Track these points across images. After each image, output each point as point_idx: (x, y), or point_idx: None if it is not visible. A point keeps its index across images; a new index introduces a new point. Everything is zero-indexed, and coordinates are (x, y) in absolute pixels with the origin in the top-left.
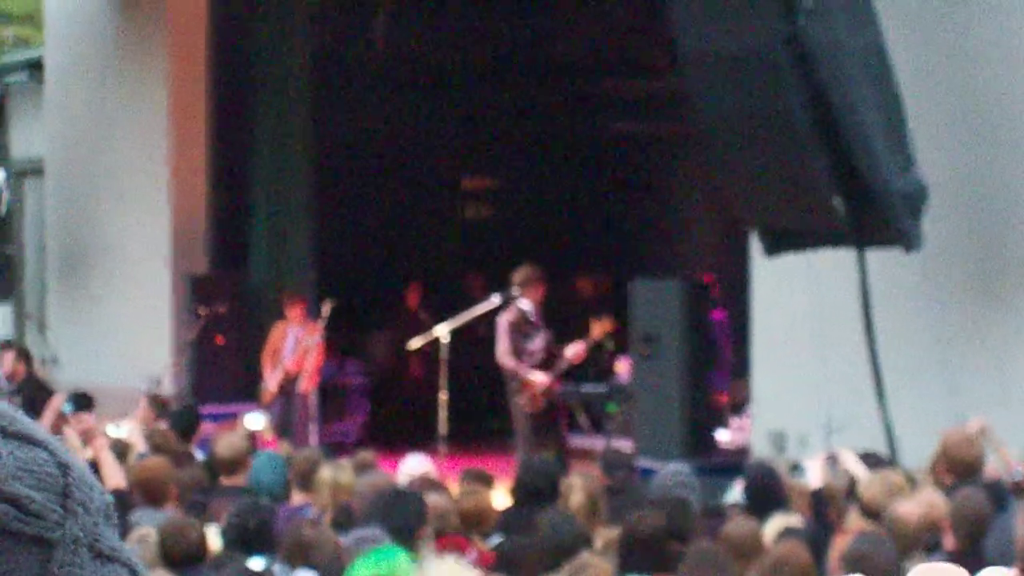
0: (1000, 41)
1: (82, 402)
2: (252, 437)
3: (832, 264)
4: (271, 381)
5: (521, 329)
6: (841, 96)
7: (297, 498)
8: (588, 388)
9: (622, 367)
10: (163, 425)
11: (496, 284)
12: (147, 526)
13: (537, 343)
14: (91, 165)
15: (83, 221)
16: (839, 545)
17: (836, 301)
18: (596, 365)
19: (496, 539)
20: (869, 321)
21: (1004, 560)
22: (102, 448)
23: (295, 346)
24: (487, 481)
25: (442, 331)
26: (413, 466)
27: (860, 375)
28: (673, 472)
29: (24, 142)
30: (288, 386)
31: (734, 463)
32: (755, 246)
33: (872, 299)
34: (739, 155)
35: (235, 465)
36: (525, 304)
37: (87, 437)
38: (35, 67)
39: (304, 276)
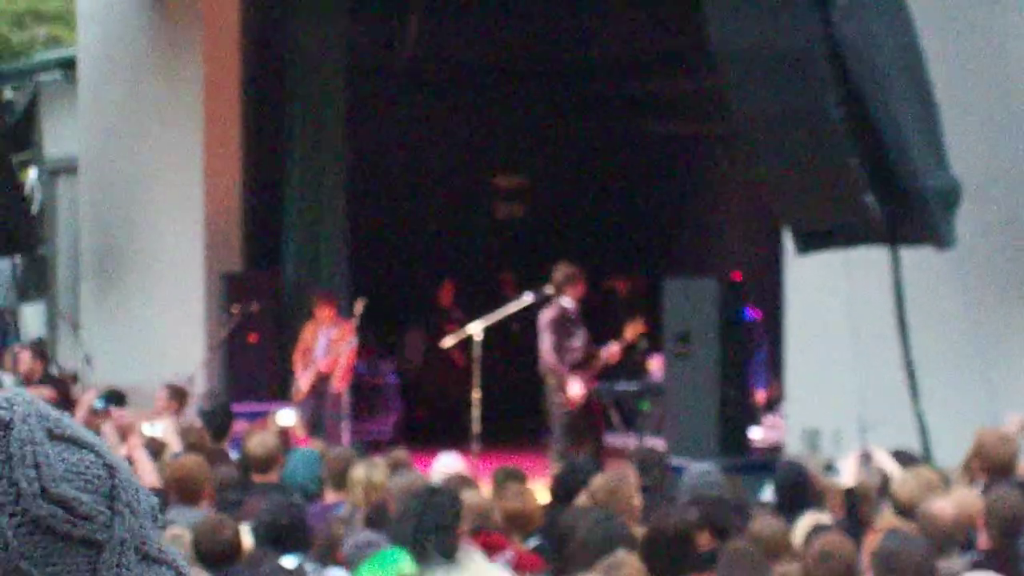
0: None
1: (113, 399)
2: (284, 434)
3: (866, 262)
4: (302, 381)
5: (563, 327)
6: (875, 94)
7: (330, 496)
8: (621, 386)
9: (655, 365)
10: (186, 417)
11: (529, 282)
12: (181, 525)
13: (577, 341)
14: (125, 164)
15: (117, 220)
16: (871, 543)
17: (870, 299)
18: (629, 363)
19: (535, 541)
20: (903, 319)
21: None
22: (137, 446)
23: (327, 346)
24: (520, 479)
25: (475, 329)
26: (446, 465)
27: (894, 373)
28: (701, 472)
29: (57, 141)
30: (320, 386)
31: (767, 461)
32: (789, 244)
33: (905, 297)
34: (773, 153)
35: (268, 463)
36: (567, 302)
37: (124, 432)
38: (68, 66)
39: (337, 274)
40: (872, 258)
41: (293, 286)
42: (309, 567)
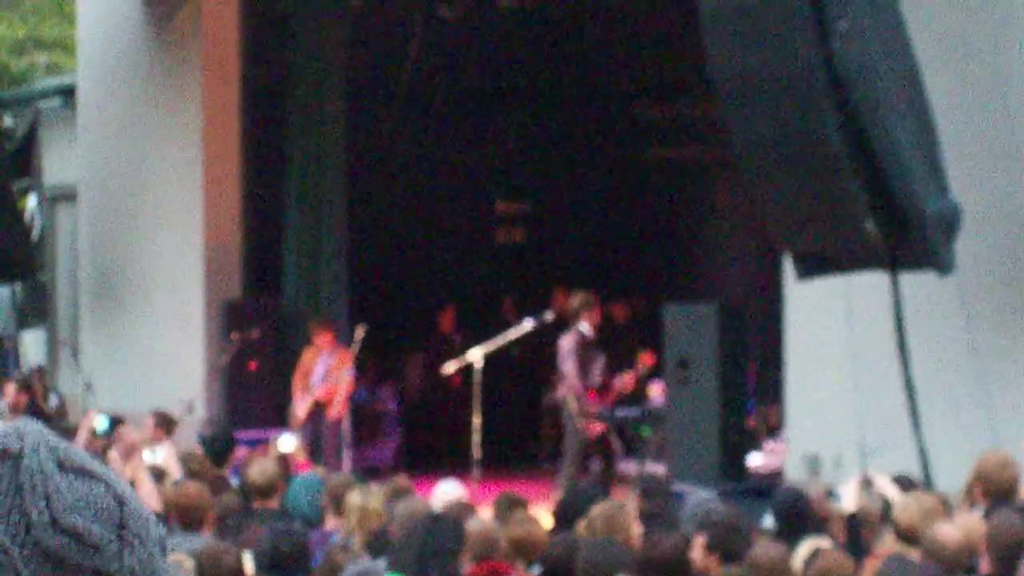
0: None
1: (114, 424)
2: (285, 460)
3: (866, 287)
4: (300, 407)
5: (583, 352)
6: (875, 119)
7: (331, 523)
8: (622, 412)
9: (656, 391)
10: (180, 443)
11: (529, 308)
12: (183, 551)
13: (596, 367)
14: (124, 191)
15: (116, 247)
16: (871, 569)
17: (870, 324)
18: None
19: (537, 569)
20: (903, 343)
21: None
22: (140, 468)
23: (326, 373)
24: (523, 506)
25: (475, 355)
26: (447, 491)
27: (894, 397)
28: (700, 501)
29: (57, 168)
30: (317, 413)
31: (767, 487)
32: (789, 269)
33: (906, 322)
34: (773, 178)
35: (269, 490)
36: (584, 328)
37: (128, 453)
38: (68, 93)
39: (337, 301)
40: (872, 283)
41: (293, 313)
42: None
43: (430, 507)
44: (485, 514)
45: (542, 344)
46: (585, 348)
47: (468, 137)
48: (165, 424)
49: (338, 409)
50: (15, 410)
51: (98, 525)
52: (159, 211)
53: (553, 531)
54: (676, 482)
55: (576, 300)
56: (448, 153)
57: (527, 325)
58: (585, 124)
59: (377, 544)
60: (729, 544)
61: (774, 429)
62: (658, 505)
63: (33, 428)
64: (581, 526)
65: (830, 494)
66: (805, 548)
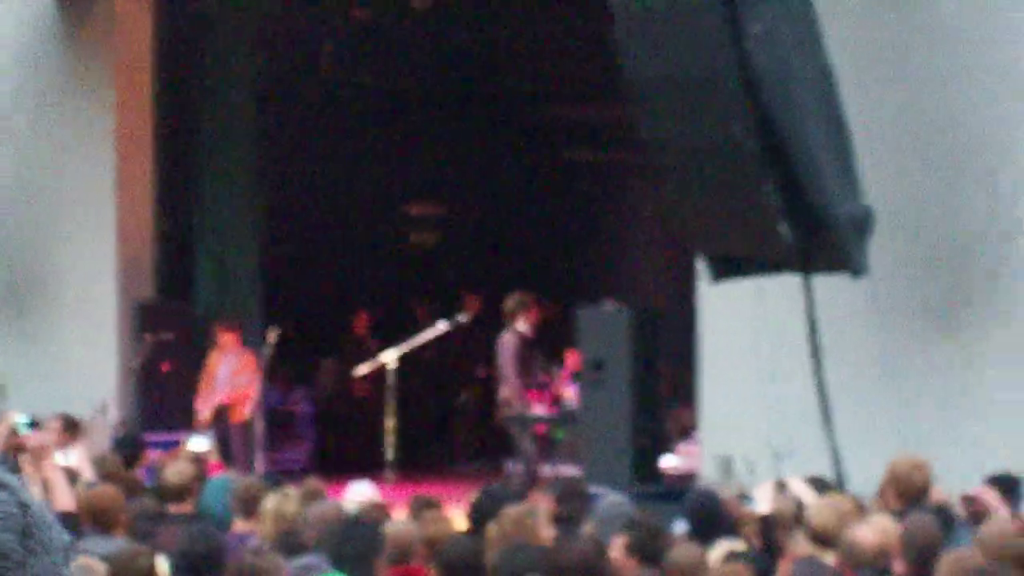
0: (946, 66)
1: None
2: (199, 462)
3: (779, 290)
4: (203, 410)
5: (524, 352)
6: (788, 122)
7: (239, 526)
8: (535, 413)
9: (569, 393)
10: (86, 447)
11: (442, 311)
12: (96, 555)
13: (535, 367)
14: (36, 192)
15: (28, 248)
16: (785, 571)
17: (783, 326)
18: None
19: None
20: (816, 346)
21: None
22: (54, 468)
23: (229, 376)
24: (435, 508)
25: (389, 358)
26: (359, 493)
27: (807, 400)
28: (611, 504)
29: None
30: (222, 416)
31: (681, 489)
32: (703, 272)
33: (819, 324)
34: (686, 181)
35: (183, 492)
36: (522, 327)
37: (40, 455)
38: None
39: (250, 303)
40: (785, 286)
41: (206, 315)
42: None
43: (343, 509)
44: (400, 516)
45: (455, 346)
46: (525, 348)
47: (382, 139)
48: (71, 428)
49: (243, 413)
50: None
51: (2, 532)
52: (71, 213)
53: (467, 533)
54: (589, 484)
55: (511, 301)
56: (361, 155)
57: (440, 327)
58: (500, 126)
59: (289, 546)
60: (649, 546)
61: (687, 431)
62: (574, 508)
63: None
64: (491, 528)
65: (743, 496)
66: (718, 550)
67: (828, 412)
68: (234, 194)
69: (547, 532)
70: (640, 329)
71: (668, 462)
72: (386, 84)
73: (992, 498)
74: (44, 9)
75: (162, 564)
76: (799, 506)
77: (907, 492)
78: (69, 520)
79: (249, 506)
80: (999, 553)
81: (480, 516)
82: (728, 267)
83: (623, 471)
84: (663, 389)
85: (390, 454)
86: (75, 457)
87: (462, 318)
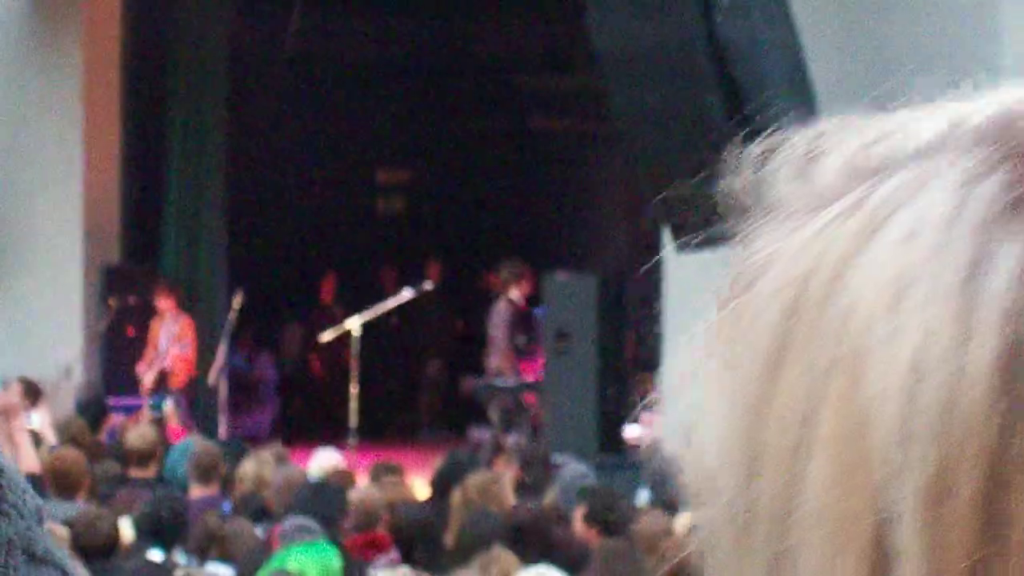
0: (915, 44)
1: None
2: (163, 428)
3: None
4: (146, 376)
5: (516, 321)
6: (756, 94)
7: (196, 491)
8: (499, 382)
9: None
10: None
11: (408, 278)
12: (57, 518)
13: (527, 335)
14: (4, 156)
15: None
16: None
17: None
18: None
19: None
20: None
21: None
22: (20, 429)
23: (170, 341)
24: (398, 474)
25: (354, 324)
26: (323, 460)
27: None
28: (575, 473)
29: None
30: (165, 380)
31: (645, 459)
32: (668, 243)
33: None
34: (652, 151)
35: (147, 456)
36: (515, 297)
37: (8, 414)
38: None
39: (217, 268)
40: None
41: (172, 279)
42: (183, 560)
43: (307, 475)
44: (362, 482)
45: (421, 314)
46: (518, 317)
47: (349, 106)
48: (31, 392)
49: (181, 379)
50: None
51: None
52: (37, 176)
53: (429, 500)
54: (553, 454)
55: (505, 271)
56: (329, 121)
57: (406, 295)
58: (468, 94)
59: (254, 511)
60: (608, 515)
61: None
62: (536, 477)
63: None
64: (456, 495)
65: None
66: (685, 519)
67: None
68: (202, 159)
69: (511, 500)
70: (606, 298)
71: (632, 432)
72: (355, 52)
73: None
74: None
75: (125, 528)
76: None
77: None
78: (33, 483)
79: (208, 472)
80: None
81: (444, 483)
82: (694, 238)
83: (588, 441)
84: (629, 358)
85: (354, 421)
86: (38, 420)
87: (427, 285)
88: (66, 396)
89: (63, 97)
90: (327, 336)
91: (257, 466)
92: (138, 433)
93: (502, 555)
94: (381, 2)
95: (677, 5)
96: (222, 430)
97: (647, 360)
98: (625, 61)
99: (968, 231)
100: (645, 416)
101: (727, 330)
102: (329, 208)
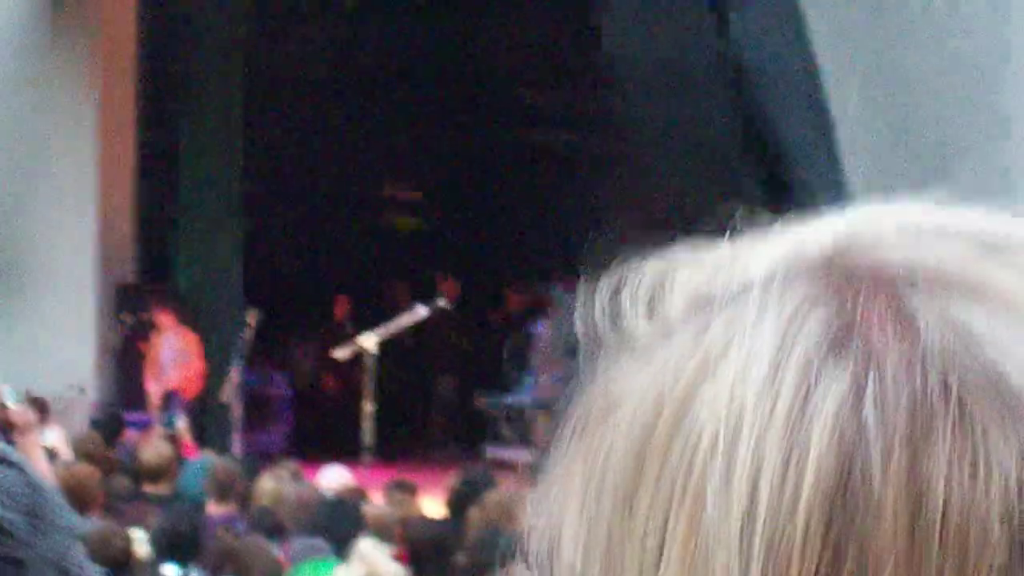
0: (933, 65)
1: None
2: (176, 444)
3: None
4: (153, 393)
5: None
6: (771, 112)
7: (213, 508)
8: (513, 399)
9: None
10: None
11: (421, 295)
12: None
13: None
14: (17, 175)
15: (10, 228)
16: None
17: None
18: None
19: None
20: None
21: None
22: (35, 445)
23: (173, 356)
24: (412, 491)
25: (368, 341)
26: (332, 477)
27: None
28: None
29: None
30: (173, 397)
31: None
32: None
33: None
34: (666, 165)
35: (161, 472)
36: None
37: (24, 430)
38: None
39: (231, 285)
40: None
41: (185, 296)
42: None
43: (322, 492)
44: (377, 499)
45: (434, 331)
46: None
47: (361, 124)
48: (40, 408)
49: (191, 394)
50: None
51: (10, 512)
52: (53, 194)
53: (444, 518)
54: None
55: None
56: (341, 140)
57: (419, 312)
58: (478, 111)
59: (267, 527)
60: None
61: None
62: None
63: None
64: (474, 513)
65: None
66: None
67: None
68: (215, 177)
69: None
70: None
71: None
72: (365, 69)
73: None
74: None
75: (140, 544)
76: None
77: None
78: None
79: (226, 489)
80: None
81: (459, 501)
82: None
83: None
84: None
85: (368, 438)
86: (51, 436)
87: (440, 303)
88: (80, 412)
89: (78, 116)
90: (341, 354)
91: (275, 483)
92: (153, 449)
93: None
94: (390, 18)
95: (693, 22)
96: (236, 447)
97: None
98: (638, 75)
99: (792, 370)
100: None
101: (583, 463)
102: (341, 226)
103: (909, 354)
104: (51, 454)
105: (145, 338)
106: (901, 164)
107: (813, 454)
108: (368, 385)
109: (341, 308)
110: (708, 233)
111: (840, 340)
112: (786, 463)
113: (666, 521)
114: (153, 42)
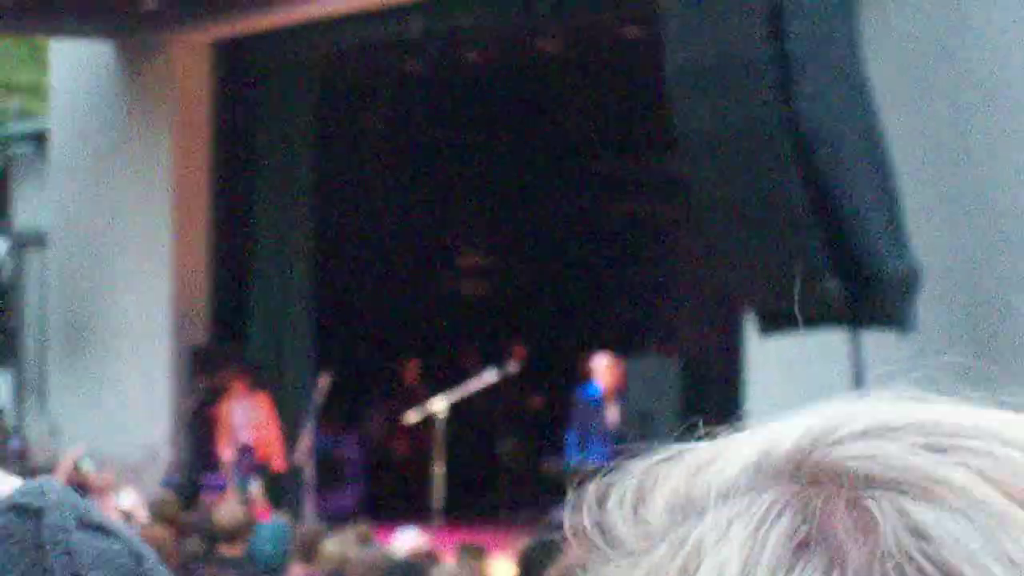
0: (997, 126)
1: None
2: (251, 506)
3: (825, 345)
4: (225, 456)
5: None
6: (837, 178)
7: (296, 570)
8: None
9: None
10: (136, 488)
11: (491, 359)
12: None
13: None
14: (94, 237)
15: (85, 292)
16: None
17: (829, 383)
18: None
19: None
20: None
21: None
22: (112, 509)
23: (246, 420)
24: (481, 555)
25: (438, 405)
26: (406, 540)
27: None
28: None
29: (27, 213)
30: (245, 459)
31: None
32: (750, 327)
33: (866, 382)
34: (734, 235)
35: (235, 534)
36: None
37: (102, 493)
38: (39, 138)
39: (302, 348)
40: (832, 342)
41: (259, 359)
42: None
43: (391, 555)
44: (448, 563)
45: (503, 395)
46: None
47: (433, 190)
48: (115, 472)
49: (280, 459)
50: None
51: None
52: (128, 257)
53: None
54: None
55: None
56: (413, 205)
57: (489, 376)
58: (549, 178)
59: None
60: None
61: None
62: None
63: (54, 485)
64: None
65: None
66: None
67: None
68: (288, 241)
69: None
70: (687, 380)
71: None
72: (438, 136)
73: None
74: (103, 57)
75: None
76: None
77: None
78: None
79: (310, 550)
80: None
81: (531, 564)
82: (775, 322)
83: None
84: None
85: (438, 501)
86: (127, 500)
87: (510, 367)
88: (153, 476)
89: (153, 181)
90: (412, 417)
91: (340, 546)
92: (228, 511)
93: None
94: (463, 85)
95: (758, 91)
96: (308, 509)
97: None
98: (705, 146)
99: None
100: None
101: None
102: (412, 290)
103: (869, 555)
104: (127, 516)
105: (218, 401)
106: (964, 226)
107: None
108: (438, 448)
109: (412, 372)
110: (777, 302)
111: (805, 543)
112: None
113: None
114: (226, 108)
